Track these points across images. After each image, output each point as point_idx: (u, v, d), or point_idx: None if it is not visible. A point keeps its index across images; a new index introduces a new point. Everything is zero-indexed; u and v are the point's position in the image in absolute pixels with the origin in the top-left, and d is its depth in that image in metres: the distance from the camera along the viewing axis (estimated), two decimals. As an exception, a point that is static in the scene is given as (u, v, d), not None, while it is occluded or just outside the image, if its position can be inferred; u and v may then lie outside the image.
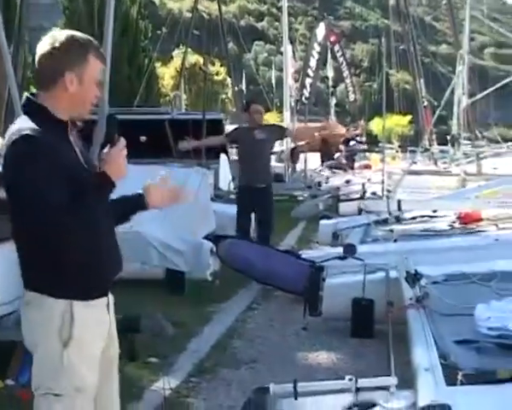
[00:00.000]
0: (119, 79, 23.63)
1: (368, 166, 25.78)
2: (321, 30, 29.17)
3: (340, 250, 8.03)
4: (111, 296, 3.18)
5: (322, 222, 11.29)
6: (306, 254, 8.78)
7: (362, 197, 14.71)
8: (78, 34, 3.04)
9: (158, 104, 30.95)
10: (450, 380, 3.79)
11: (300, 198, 19.00)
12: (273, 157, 26.79)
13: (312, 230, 12.84)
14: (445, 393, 3.56)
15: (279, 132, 10.73)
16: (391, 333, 4.87)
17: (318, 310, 7.01)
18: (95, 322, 3.04)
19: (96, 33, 16.05)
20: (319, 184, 20.23)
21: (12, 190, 2.89)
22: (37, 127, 2.85)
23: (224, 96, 46.40)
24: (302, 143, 21.89)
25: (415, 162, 22.54)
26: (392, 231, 8.57)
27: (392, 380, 3.81)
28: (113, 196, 3.10)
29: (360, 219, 10.10)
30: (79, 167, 3.00)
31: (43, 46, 2.97)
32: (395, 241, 8.48)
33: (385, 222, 9.80)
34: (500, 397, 3.65)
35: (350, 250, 7.58)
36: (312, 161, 24.22)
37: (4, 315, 5.31)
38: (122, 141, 3.00)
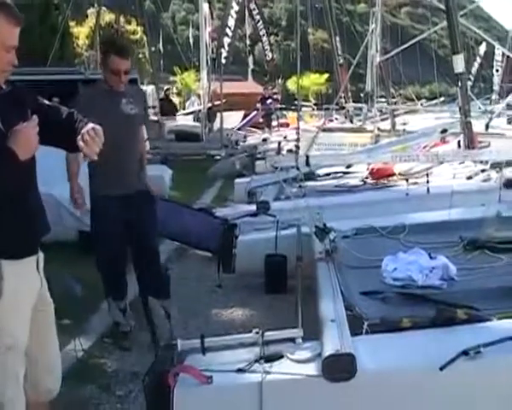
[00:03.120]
0: (32, 39, 22.89)
1: (285, 125, 25.83)
2: (239, -12, 28.86)
3: (254, 208, 8.09)
4: (41, 256, 3.34)
5: (238, 180, 11.27)
6: (220, 211, 8.78)
7: (278, 155, 14.74)
8: None
9: (73, 64, 30.19)
10: (356, 330, 3.87)
11: (217, 157, 18.96)
12: (190, 117, 26.73)
13: (229, 188, 12.80)
14: (350, 343, 3.62)
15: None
16: (299, 286, 4.91)
17: (232, 267, 7.02)
18: (24, 280, 3.17)
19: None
20: (236, 142, 20.17)
21: None
22: None
23: (140, 55, 45.60)
24: (218, 102, 21.81)
25: (332, 120, 22.71)
26: (301, 187, 8.63)
27: (298, 332, 3.86)
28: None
29: (274, 177, 10.11)
30: None
31: None
32: (304, 196, 8.53)
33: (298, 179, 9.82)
34: (403, 345, 3.74)
35: (263, 207, 7.65)
36: (230, 120, 24.08)
37: None
38: (34, 118, 3.01)
